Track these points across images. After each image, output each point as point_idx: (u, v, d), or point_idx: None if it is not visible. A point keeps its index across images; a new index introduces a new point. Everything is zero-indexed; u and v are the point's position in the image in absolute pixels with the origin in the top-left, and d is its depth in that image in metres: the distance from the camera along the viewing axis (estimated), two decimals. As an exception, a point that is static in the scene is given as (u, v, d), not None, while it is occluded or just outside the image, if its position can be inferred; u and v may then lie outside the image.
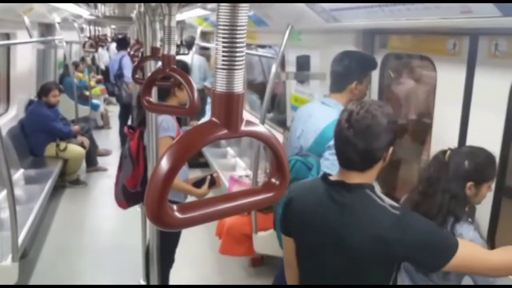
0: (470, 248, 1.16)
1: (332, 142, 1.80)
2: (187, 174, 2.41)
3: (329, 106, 1.92)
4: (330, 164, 1.81)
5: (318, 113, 1.93)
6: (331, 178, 1.26)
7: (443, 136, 1.75)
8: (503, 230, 1.72)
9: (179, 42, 5.14)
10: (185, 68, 2.42)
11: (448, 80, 1.84)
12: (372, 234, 1.13)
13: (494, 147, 1.60)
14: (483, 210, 1.68)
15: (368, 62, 1.99)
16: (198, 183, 2.30)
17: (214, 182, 2.33)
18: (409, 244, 1.12)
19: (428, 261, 1.16)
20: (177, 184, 2.17)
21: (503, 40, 1.56)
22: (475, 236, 1.40)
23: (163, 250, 1.84)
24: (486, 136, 1.64)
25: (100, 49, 7.47)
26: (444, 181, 1.43)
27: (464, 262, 1.13)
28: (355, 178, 1.20)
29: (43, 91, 4.70)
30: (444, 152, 1.49)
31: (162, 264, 1.79)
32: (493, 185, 1.60)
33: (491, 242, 1.70)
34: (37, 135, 4.57)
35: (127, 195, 2.33)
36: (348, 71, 1.91)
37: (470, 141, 1.69)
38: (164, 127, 2.13)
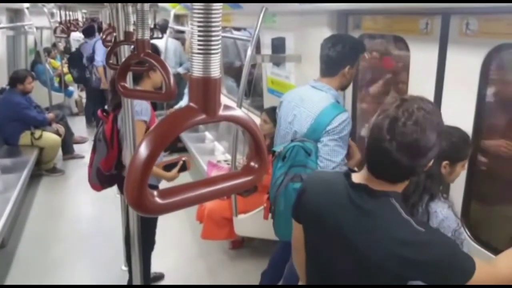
0: (484, 269, 1.09)
1: (330, 127, 1.80)
2: (161, 159, 2.41)
3: (321, 91, 1.89)
4: (330, 150, 1.80)
5: (310, 98, 1.90)
6: (355, 178, 1.15)
7: None
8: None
9: (152, 26, 5.02)
10: (155, 52, 2.39)
11: (421, 59, 1.87)
12: (390, 248, 1.05)
13: (467, 123, 1.65)
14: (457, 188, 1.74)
15: (360, 45, 2.00)
16: (168, 167, 2.31)
17: (185, 167, 2.34)
18: (427, 265, 1.05)
19: (442, 282, 1.09)
20: None
21: (474, 19, 1.60)
22: (449, 214, 1.43)
23: (143, 234, 1.84)
24: (459, 113, 1.68)
25: (73, 34, 7.23)
26: None
27: (477, 282, 1.07)
28: (382, 186, 1.10)
29: (20, 78, 4.57)
30: None
31: (144, 248, 1.80)
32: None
33: (466, 219, 1.77)
34: (11, 123, 4.46)
35: (102, 178, 2.34)
36: (342, 56, 1.89)
37: (444, 118, 1.74)
38: (137, 111, 2.11)
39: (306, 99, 1.91)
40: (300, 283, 1.46)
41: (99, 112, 2.33)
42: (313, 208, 1.21)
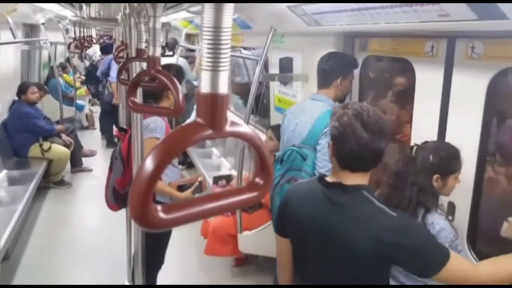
0: (460, 261, 1.16)
1: (326, 129, 1.92)
2: (178, 175, 2.40)
3: (319, 101, 2.10)
4: (327, 152, 1.85)
5: (310, 108, 2.10)
6: (328, 179, 1.26)
7: (423, 136, 1.80)
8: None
9: (164, 44, 5.13)
10: (180, 72, 2.44)
11: (427, 81, 1.88)
12: (370, 234, 1.13)
13: (472, 145, 1.66)
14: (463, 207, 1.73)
15: (350, 60, 2.20)
16: (182, 187, 2.28)
17: (200, 188, 2.31)
18: (404, 247, 1.13)
19: (421, 267, 1.16)
20: (160, 186, 2.18)
21: (479, 43, 1.61)
22: (445, 225, 1.46)
23: (152, 252, 1.84)
24: (465, 135, 1.68)
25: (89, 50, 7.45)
26: (412, 175, 1.51)
27: (453, 274, 1.14)
28: (351, 179, 1.21)
29: (21, 89, 4.65)
30: (411, 147, 1.57)
31: (151, 266, 1.78)
32: (471, 178, 1.65)
33: (471, 240, 1.75)
34: (20, 135, 4.51)
35: (118, 197, 2.32)
36: (333, 68, 2.11)
37: (449, 138, 1.74)
38: (151, 128, 2.15)
39: (306, 109, 2.11)
40: None
41: (115, 130, 2.34)
42: (297, 215, 1.29)
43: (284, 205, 1.36)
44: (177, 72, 2.41)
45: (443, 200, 1.74)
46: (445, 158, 1.51)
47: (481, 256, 1.72)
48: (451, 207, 1.76)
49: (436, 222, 1.46)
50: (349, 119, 1.18)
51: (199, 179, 2.34)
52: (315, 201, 1.25)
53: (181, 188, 2.28)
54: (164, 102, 2.28)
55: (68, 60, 7.83)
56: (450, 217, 1.74)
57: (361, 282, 1.22)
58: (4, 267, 3.09)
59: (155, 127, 2.16)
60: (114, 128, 2.30)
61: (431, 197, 1.51)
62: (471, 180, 1.69)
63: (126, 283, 2.96)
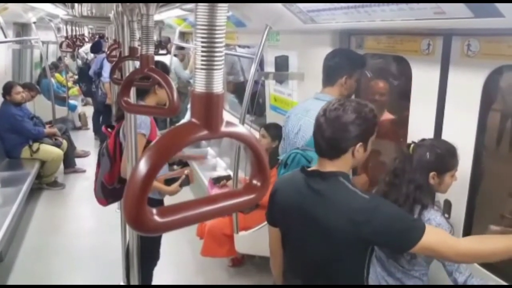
0: (437, 233, 1.22)
1: None
2: (166, 170, 2.38)
3: (324, 100, 1.95)
4: None
5: (314, 108, 1.96)
6: (309, 169, 1.35)
7: (419, 133, 1.80)
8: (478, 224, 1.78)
9: (157, 43, 5.09)
10: (164, 69, 2.39)
11: (423, 79, 1.88)
12: (344, 216, 1.21)
13: (469, 142, 1.66)
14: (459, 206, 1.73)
15: (357, 58, 2.12)
16: (170, 181, 2.27)
17: (187, 181, 2.30)
18: (377, 225, 1.18)
19: (395, 242, 1.22)
20: None
21: (475, 40, 1.61)
22: (442, 221, 1.48)
23: (147, 249, 1.82)
24: (461, 132, 1.68)
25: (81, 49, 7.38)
26: (409, 172, 1.52)
27: (431, 246, 1.18)
28: (328, 166, 1.30)
29: (5, 90, 4.56)
30: (408, 145, 1.58)
31: (146, 263, 1.77)
32: (467, 176, 1.65)
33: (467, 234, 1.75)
34: (10, 136, 4.47)
35: (106, 192, 2.33)
36: (339, 66, 2.03)
37: (446, 136, 1.74)
38: (136, 124, 2.11)
39: (311, 110, 2.01)
40: (276, 283, 1.61)
41: (103, 128, 2.33)
42: (283, 203, 1.38)
43: (272, 196, 1.43)
44: (162, 69, 2.37)
45: (439, 197, 1.74)
46: (441, 156, 1.52)
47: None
48: (447, 204, 1.76)
49: (433, 218, 1.48)
50: (318, 113, 1.32)
51: (186, 171, 2.31)
52: (298, 189, 1.33)
53: (168, 182, 2.26)
54: (150, 98, 2.27)
55: (60, 59, 7.77)
56: (446, 215, 1.74)
57: (341, 265, 1.28)
58: (-2, 270, 3.05)
59: (140, 122, 2.11)
60: (103, 126, 2.29)
61: (428, 194, 1.52)
62: (467, 178, 1.69)
63: (122, 283, 2.95)
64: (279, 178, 1.54)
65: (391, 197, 1.50)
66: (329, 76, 2.07)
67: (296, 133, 2.09)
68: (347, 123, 1.25)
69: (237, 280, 3.09)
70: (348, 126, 1.25)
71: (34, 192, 4.52)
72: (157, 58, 1.37)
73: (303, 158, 1.89)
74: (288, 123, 2.19)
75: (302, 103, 2.25)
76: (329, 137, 1.27)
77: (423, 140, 1.59)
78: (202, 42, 0.45)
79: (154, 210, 0.44)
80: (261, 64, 3.03)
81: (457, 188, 1.61)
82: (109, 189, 2.30)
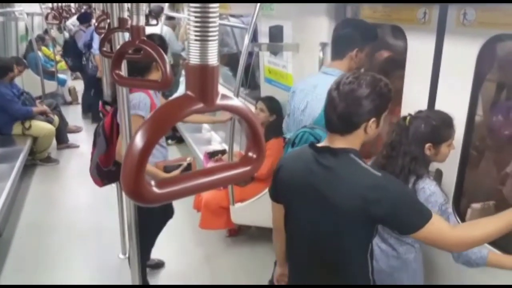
0: (441, 223, 1.20)
1: None
2: (166, 155, 2.32)
3: (332, 75, 1.87)
4: None
5: (322, 84, 1.89)
6: (318, 145, 1.31)
7: (413, 103, 1.80)
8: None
9: (147, 12, 4.95)
10: (161, 42, 2.28)
11: (418, 48, 1.87)
12: (354, 193, 1.18)
13: (461, 112, 1.67)
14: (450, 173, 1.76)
15: (370, 30, 2.00)
16: (169, 168, 2.18)
17: (189, 169, 2.21)
18: (386, 206, 1.17)
19: (398, 225, 1.22)
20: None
21: (471, 9, 1.59)
22: (436, 190, 1.50)
23: (146, 220, 1.85)
24: (454, 102, 1.69)
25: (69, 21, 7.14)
26: (405, 145, 1.53)
27: (432, 235, 1.18)
28: (339, 143, 1.26)
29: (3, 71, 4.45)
30: (404, 118, 1.58)
31: (146, 236, 1.78)
32: (458, 146, 1.67)
33: (456, 205, 1.80)
34: (1, 114, 4.39)
35: (101, 174, 2.28)
36: (350, 37, 1.92)
37: (439, 106, 1.75)
38: (134, 104, 2.00)
39: (319, 85, 1.91)
40: (278, 261, 1.61)
41: (100, 104, 2.26)
42: (288, 179, 1.35)
43: (277, 172, 1.40)
44: (160, 42, 2.24)
45: (431, 167, 1.77)
46: (436, 127, 1.53)
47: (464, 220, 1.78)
48: (439, 174, 1.79)
49: (427, 187, 1.50)
50: (331, 87, 1.27)
51: (188, 159, 2.24)
52: (306, 165, 1.29)
53: (167, 169, 2.18)
54: (152, 75, 2.16)
55: (46, 32, 7.56)
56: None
57: (347, 242, 1.27)
58: (-4, 245, 3.09)
59: (138, 103, 2.03)
60: (100, 103, 2.22)
61: (423, 166, 1.54)
62: (459, 148, 1.71)
63: (121, 256, 3.01)
64: (285, 155, 1.49)
65: (388, 169, 1.51)
66: (339, 48, 1.95)
67: (302, 110, 1.98)
68: (361, 98, 1.21)
69: (234, 250, 3.16)
70: (362, 100, 1.21)
71: (28, 168, 4.52)
72: (148, 29, 1.33)
73: (312, 136, 1.82)
74: (293, 99, 2.08)
75: (309, 77, 2.13)
76: (342, 112, 1.23)
77: (420, 112, 1.59)
78: (196, 12, 0.44)
79: (153, 182, 0.44)
80: (254, 35, 2.98)
81: (449, 158, 1.63)
82: (104, 171, 2.25)
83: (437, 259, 1.86)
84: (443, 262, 1.82)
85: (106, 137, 2.17)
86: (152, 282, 2.65)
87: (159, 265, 2.90)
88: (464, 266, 1.49)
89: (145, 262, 2.52)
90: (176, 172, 2.17)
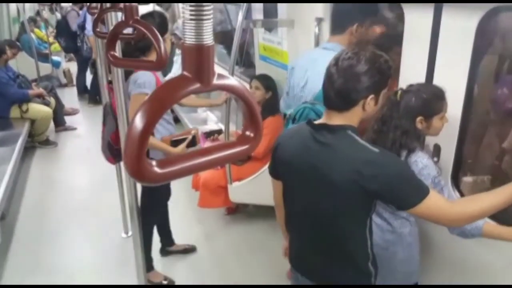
0: (438, 199, 1.20)
1: None
2: (173, 132, 2.34)
3: (332, 50, 1.86)
4: None
5: (323, 59, 1.85)
6: (316, 122, 1.31)
7: (411, 77, 1.79)
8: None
9: (139, -9, 4.85)
10: (163, 21, 2.24)
11: (416, 22, 1.84)
12: (351, 168, 1.18)
13: (460, 87, 1.66)
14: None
15: (370, 5, 1.97)
16: (176, 142, 2.24)
17: (194, 142, 2.28)
18: (383, 181, 1.17)
19: (395, 201, 1.22)
20: (152, 142, 2.16)
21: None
22: (428, 163, 1.50)
23: (153, 203, 1.85)
24: (453, 76, 1.68)
25: None
26: (396, 119, 1.53)
27: (429, 210, 1.18)
28: (336, 119, 1.26)
29: None
30: (395, 92, 1.57)
31: (147, 216, 1.81)
32: (457, 120, 1.67)
33: (455, 179, 1.82)
34: (-2, 97, 4.38)
35: (113, 151, 2.29)
36: (350, 11, 1.88)
37: (437, 80, 1.74)
38: (140, 83, 2.05)
39: (319, 61, 1.89)
40: (283, 235, 1.62)
41: (106, 83, 2.25)
42: (286, 156, 1.35)
43: (275, 149, 1.40)
44: (161, 20, 2.22)
45: (429, 142, 1.78)
46: (427, 100, 1.52)
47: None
48: (437, 148, 1.79)
49: (420, 161, 1.50)
50: (330, 63, 1.25)
51: (192, 132, 2.29)
52: (303, 141, 1.30)
53: (174, 143, 2.24)
54: (153, 55, 2.16)
55: (38, 13, 7.42)
56: (435, 159, 1.78)
57: (345, 218, 1.28)
58: (2, 227, 3.12)
59: (144, 82, 2.06)
60: (104, 83, 2.20)
61: (414, 139, 1.53)
62: (457, 122, 1.71)
63: (123, 235, 3.06)
64: (283, 132, 1.49)
65: (379, 144, 1.50)
66: (339, 22, 1.91)
67: (302, 87, 1.96)
68: (359, 74, 1.19)
69: (233, 227, 3.21)
70: (361, 76, 1.19)
71: (28, 150, 4.53)
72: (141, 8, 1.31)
73: (313, 112, 1.81)
74: (292, 76, 2.06)
75: (308, 53, 2.11)
76: (340, 88, 1.21)
77: (411, 85, 1.58)
78: (190, -9, 0.44)
79: (154, 162, 0.46)
80: (248, 11, 2.93)
81: (447, 132, 1.64)
82: (116, 149, 2.26)
83: (433, 233, 1.89)
84: (439, 235, 1.85)
85: (115, 116, 2.19)
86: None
87: (187, 250, 2.92)
88: (460, 239, 1.50)
89: (149, 241, 2.57)
90: (182, 146, 2.24)
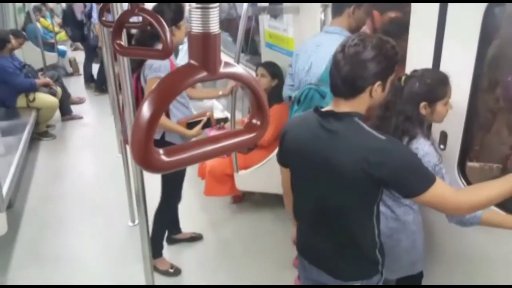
0: (444, 187, 1.20)
1: None
2: (188, 115, 2.35)
3: (335, 33, 1.88)
4: None
5: (326, 42, 1.89)
6: (323, 109, 1.31)
7: (417, 64, 1.77)
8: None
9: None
10: (179, 9, 2.21)
11: (422, 9, 1.82)
12: (357, 156, 1.18)
13: (467, 73, 1.64)
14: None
15: None
16: (191, 124, 2.26)
17: (209, 123, 2.30)
18: (389, 169, 1.17)
19: (401, 188, 1.21)
20: (168, 124, 2.19)
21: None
22: (430, 150, 1.49)
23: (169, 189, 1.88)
24: (459, 63, 1.66)
25: None
26: (399, 104, 1.52)
27: (435, 198, 1.17)
28: (343, 107, 1.25)
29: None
30: (399, 78, 1.55)
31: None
32: (464, 107, 1.66)
33: (462, 168, 1.81)
34: (3, 86, 4.39)
35: None
36: None
37: (444, 67, 1.72)
38: (155, 68, 2.09)
39: (322, 44, 1.92)
40: (292, 222, 1.60)
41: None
42: (294, 144, 1.36)
43: (282, 137, 1.41)
44: (177, 8, 2.19)
45: (436, 128, 1.76)
46: (431, 85, 1.51)
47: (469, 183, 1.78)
48: (443, 136, 1.78)
49: (421, 148, 1.49)
50: (336, 50, 1.24)
51: (207, 114, 2.30)
52: (310, 129, 1.30)
53: (190, 125, 2.26)
54: None
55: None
56: (442, 146, 1.77)
57: (352, 205, 1.28)
58: (9, 216, 3.17)
59: (159, 66, 2.09)
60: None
61: (417, 125, 1.52)
62: (464, 109, 1.70)
63: (130, 224, 3.09)
64: (290, 119, 1.49)
65: (382, 130, 1.50)
66: (337, 5, 1.95)
67: (307, 71, 1.99)
68: (366, 60, 1.18)
69: (238, 216, 3.23)
70: (367, 63, 1.19)
71: (34, 140, 4.56)
72: None
73: (317, 93, 1.81)
74: (297, 62, 2.08)
75: (312, 38, 2.12)
76: (346, 75, 1.20)
77: (415, 71, 1.56)
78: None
79: (161, 150, 0.46)
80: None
81: (454, 119, 1.62)
82: None
83: (437, 221, 1.89)
84: (443, 223, 1.85)
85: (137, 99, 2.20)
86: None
87: (194, 238, 2.95)
88: (464, 228, 1.49)
89: (166, 228, 2.62)
90: (198, 127, 2.27)
